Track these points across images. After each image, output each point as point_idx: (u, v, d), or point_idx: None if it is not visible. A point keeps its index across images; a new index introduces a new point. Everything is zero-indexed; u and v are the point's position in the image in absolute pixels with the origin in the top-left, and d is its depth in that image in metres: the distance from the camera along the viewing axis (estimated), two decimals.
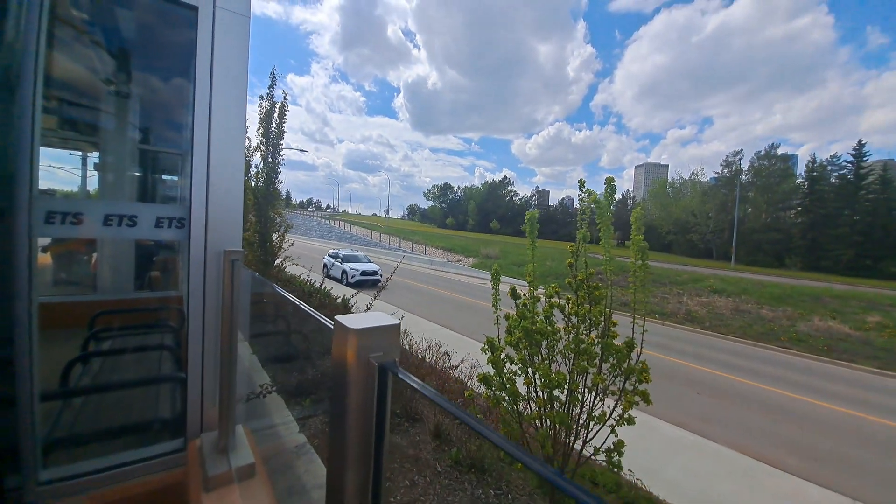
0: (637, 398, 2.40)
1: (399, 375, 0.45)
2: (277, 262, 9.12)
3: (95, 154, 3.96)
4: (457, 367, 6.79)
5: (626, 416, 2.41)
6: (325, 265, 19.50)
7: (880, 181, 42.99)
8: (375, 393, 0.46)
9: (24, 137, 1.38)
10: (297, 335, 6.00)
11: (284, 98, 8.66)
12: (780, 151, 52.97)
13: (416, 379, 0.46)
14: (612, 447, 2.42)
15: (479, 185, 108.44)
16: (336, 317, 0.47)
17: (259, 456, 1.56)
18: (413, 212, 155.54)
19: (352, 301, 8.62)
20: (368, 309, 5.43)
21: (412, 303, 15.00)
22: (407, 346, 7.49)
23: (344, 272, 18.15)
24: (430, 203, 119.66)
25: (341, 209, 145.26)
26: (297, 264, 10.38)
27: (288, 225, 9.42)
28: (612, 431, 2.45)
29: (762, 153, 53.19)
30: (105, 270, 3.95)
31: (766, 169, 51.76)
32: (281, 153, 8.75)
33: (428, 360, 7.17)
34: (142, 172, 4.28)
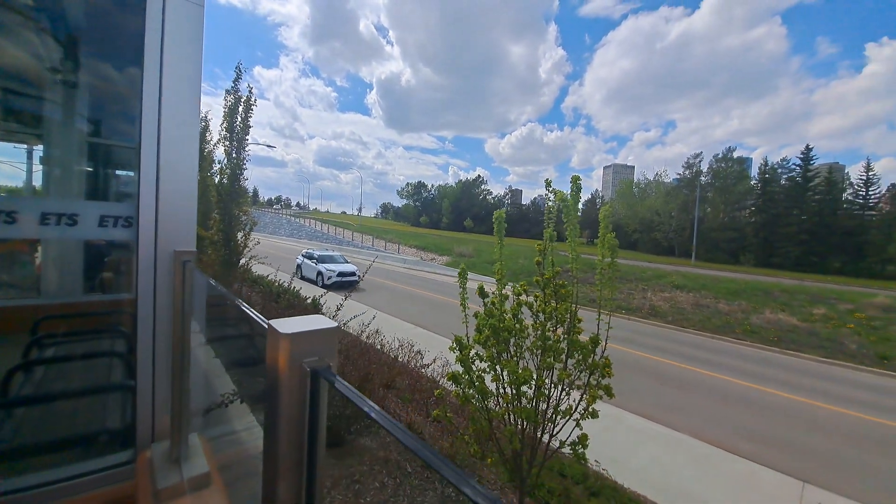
0: (601, 392, 2.47)
1: (335, 384, 0.43)
2: (243, 261, 8.80)
3: (41, 147, 3.68)
4: (429, 365, 6.80)
5: (590, 409, 2.48)
6: (297, 266, 18.72)
7: (825, 183, 46.33)
8: (308, 400, 0.44)
9: None
10: (260, 338, 5.81)
11: (251, 92, 8.36)
12: (736, 154, 56.17)
13: (349, 386, 0.44)
14: (577, 440, 2.48)
15: (453, 184, 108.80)
16: (270, 321, 0.44)
17: (216, 465, 1.50)
18: (386, 210, 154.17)
19: (322, 301, 8.44)
20: (339, 309, 5.33)
21: (385, 302, 14.86)
22: (379, 346, 7.42)
23: (319, 273, 17.43)
24: (404, 201, 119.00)
25: (312, 207, 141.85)
26: (264, 263, 10.06)
27: (254, 223, 9.10)
28: (577, 425, 2.52)
29: (720, 156, 56.28)
30: (50, 272, 3.69)
31: (723, 171, 54.75)
32: (247, 148, 8.44)
33: (400, 359, 7.14)
34: (91, 167, 4.01)
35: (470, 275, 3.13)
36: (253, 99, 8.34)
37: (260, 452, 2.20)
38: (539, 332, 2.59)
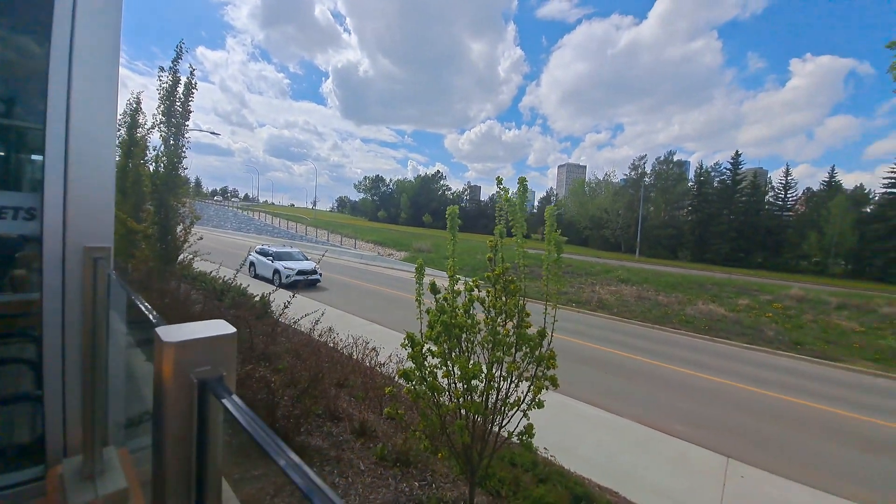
0: (546, 383, 2.57)
1: (222, 399, 0.38)
2: (182, 257, 8.20)
3: None
4: (384, 363, 6.73)
5: (536, 400, 2.57)
6: (251, 263, 17.50)
7: (751, 186, 51.22)
8: (195, 416, 0.40)
9: None
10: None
11: (192, 73, 7.74)
12: (675, 158, 60.69)
13: (238, 402, 0.40)
14: (524, 430, 2.56)
15: (412, 179, 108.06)
16: (157, 327, 0.40)
17: (139, 480, 1.38)
18: (343, 204, 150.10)
19: (272, 298, 8.06)
20: (287, 305, 5.11)
21: (341, 298, 14.50)
22: (332, 344, 7.23)
23: (276, 271, 16.42)
24: (362, 195, 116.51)
25: (262, 199, 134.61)
26: (207, 260, 9.44)
27: (196, 216, 8.50)
28: (525, 416, 2.60)
29: (662, 159, 60.46)
30: None
31: (664, 173, 58.89)
32: (187, 135, 7.83)
33: (355, 356, 7.01)
34: None
35: (428, 270, 3.12)
36: (194, 81, 7.74)
37: None
38: (490, 327, 2.63)
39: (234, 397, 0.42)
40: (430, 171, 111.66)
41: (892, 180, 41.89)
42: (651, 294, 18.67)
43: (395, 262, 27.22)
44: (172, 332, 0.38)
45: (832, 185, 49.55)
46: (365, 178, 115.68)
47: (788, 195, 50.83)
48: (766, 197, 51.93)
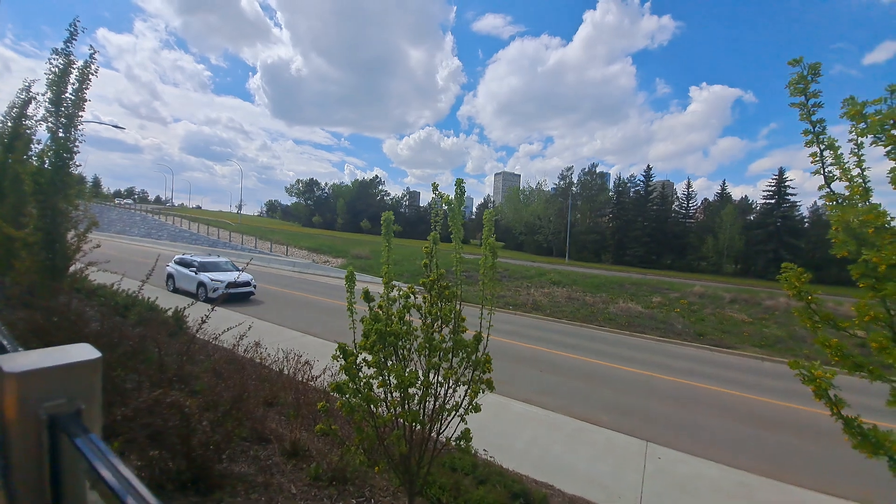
0: (482, 387, 2.60)
1: (75, 439, 0.30)
2: (75, 268, 7.12)
3: None
4: (318, 377, 6.38)
5: (473, 404, 2.59)
6: (169, 275, 15.37)
7: (660, 196, 57.63)
8: (47, 460, 0.31)
9: None
10: (120, 348, 4.76)
11: (93, 56, 6.77)
12: (598, 170, 66.28)
13: (98, 443, 0.32)
14: (461, 435, 2.57)
15: (349, 183, 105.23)
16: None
17: None
18: (273, 208, 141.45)
19: (187, 313, 7.26)
20: (204, 321, 4.61)
21: (271, 310, 13.58)
22: (259, 360, 6.72)
23: (201, 284, 14.44)
24: (294, 199, 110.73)
25: (178, 202, 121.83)
26: (107, 271, 8.29)
27: (93, 220, 7.44)
28: (462, 420, 2.60)
29: (586, 170, 65.74)
30: None
31: (589, 183, 64.05)
32: (80, 126, 6.83)
33: (286, 371, 6.56)
34: None
35: (366, 277, 3.03)
36: (95, 67, 6.79)
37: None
38: (426, 333, 2.61)
39: (93, 436, 0.34)
40: (369, 175, 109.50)
41: (770, 192, 49.90)
42: (579, 295, 20.01)
43: (332, 270, 26.19)
44: (17, 361, 0.29)
45: (724, 197, 57.62)
46: (298, 181, 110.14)
47: (690, 204, 58.02)
48: (673, 206, 58.72)
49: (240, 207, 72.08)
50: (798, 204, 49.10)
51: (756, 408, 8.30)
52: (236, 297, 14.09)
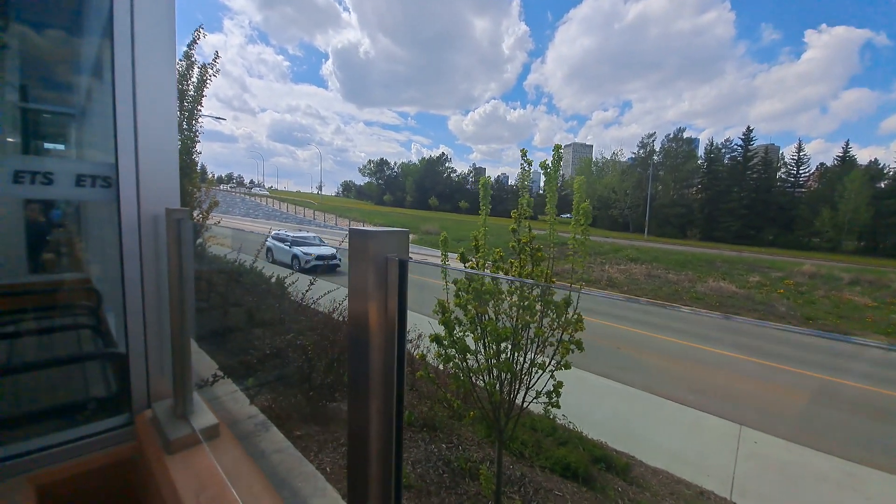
0: (573, 346, 2.69)
1: (403, 270, 0.50)
2: (199, 241, 8.39)
3: None
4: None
5: (563, 362, 2.70)
6: (268, 249, 17.33)
7: (762, 163, 50.32)
8: (397, 287, 0.51)
9: None
10: (240, 308, 5.68)
11: (216, 58, 7.76)
12: (685, 135, 59.43)
13: (406, 270, 0.51)
14: (553, 388, 2.70)
15: (417, 162, 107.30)
16: (351, 227, 0.50)
17: (222, 419, 1.53)
18: (348, 188, 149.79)
19: (288, 281, 8.25)
20: (311, 286, 5.28)
21: None
22: None
23: (295, 257, 16.43)
24: (367, 179, 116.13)
25: (268, 185, 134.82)
26: (222, 245, 9.63)
27: (214, 201, 8.65)
28: (552, 377, 2.73)
29: (671, 136, 59.27)
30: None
31: (673, 151, 57.84)
32: (198, 120, 7.90)
33: None
34: (24, 137, 3.69)
35: (437, 251, 3.24)
36: (214, 69, 7.76)
37: (248, 416, 2.23)
38: (517, 294, 2.75)
39: (406, 265, 0.54)
40: (435, 153, 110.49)
41: None
42: (661, 272, 18.69)
43: None
44: (363, 231, 0.49)
45: (846, 161, 48.45)
46: (369, 161, 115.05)
47: (801, 171, 49.91)
48: (778, 173, 51.03)
49: (320, 188, 77.65)
50: None
51: (876, 400, 7.28)
52: (324, 268, 15.64)
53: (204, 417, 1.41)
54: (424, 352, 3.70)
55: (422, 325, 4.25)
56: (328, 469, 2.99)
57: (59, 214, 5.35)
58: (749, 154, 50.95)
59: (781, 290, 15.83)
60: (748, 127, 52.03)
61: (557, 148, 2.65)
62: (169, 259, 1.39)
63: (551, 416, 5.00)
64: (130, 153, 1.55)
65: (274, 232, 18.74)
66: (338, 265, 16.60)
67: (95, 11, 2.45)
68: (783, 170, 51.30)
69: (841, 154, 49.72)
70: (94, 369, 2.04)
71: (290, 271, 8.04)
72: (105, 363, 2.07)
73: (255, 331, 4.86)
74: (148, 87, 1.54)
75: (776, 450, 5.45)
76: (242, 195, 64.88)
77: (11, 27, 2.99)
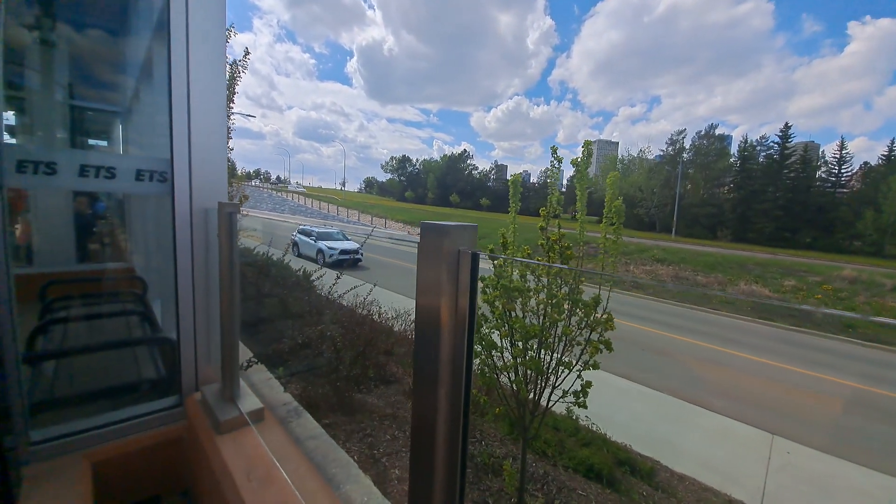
0: (601, 346, 2.66)
1: (475, 262, 0.52)
2: None
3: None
4: None
5: (591, 361, 2.68)
6: (294, 243, 18.20)
7: (801, 161, 47.74)
8: (469, 279, 0.53)
9: None
10: (271, 299, 5.87)
11: (246, 55, 8.01)
12: (717, 132, 57.06)
13: (478, 261, 0.54)
14: (580, 388, 2.69)
15: (438, 158, 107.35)
16: (423, 224, 0.53)
17: (266, 402, 1.61)
18: (370, 185, 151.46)
19: (314, 275, 8.47)
20: (338, 279, 5.42)
21: (375, 276, 14.94)
22: (376, 317, 7.56)
23: (319, 251, 16.95)
24: (388, 176, 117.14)
25: (293, 181, 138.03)
26: (251, 237, 9.95)
27: (244, 196, 8.94)
28: (579, 376, 2.72)
29: (702, 133, 57.08)
30: (43, 242, 3.68)
31: (704, 148, 55.68)
32: (231, 117, 8.17)
33: (395, 328, 7.31)
34: (69, 132, 3.92)
35: None
36: (243, 68, 8.01)
37: (283, 403, 2.32)
38: (545, 292, 2.74)
39: (478, 258, 0.56)
40: (456, 150, 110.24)
41: None
42: (689, 274, 18.13)
43: None
44: (436, 225, 0.51)
45: (892, 160, 45.42)
46: (392, 158, 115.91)
47: (843, 170, 47.18)
48: (818, 172, 48.38)
49: (343, 185, 78.87)
50: None
51: None
52: (347, 262, 15.96)
53: (250, 401, 1.48)
54: None
55: None
56: (355, 458, 3.07)
57: (102, 207, 5.65)
58: (786, 152, 48.45)
59: (819, 296, 15.09)
60: (786, 123, 49.45)
61: (588, 144, 2.62)
62: (220, 250, 1.46)
63: (574, 417, 4.96)
64: (184, 150, 1.64)
65: (300, 227, 19.28)
66: (360, 260, 16.96)
67: (143, 15, 2.58)
68: (823, 169, 48.57)
69: (886, 153, 46.65)
70: (143, 353, 2.17)
71: (317, 266, 8.24)
72: (154, 348, 2.19)
73: (285, 322, 5.02)
74: (201, 87, 1.62)
75: (811, 461, 5.24)
76: (269, 191, 66.69)
77: (59, 28, 3.18)
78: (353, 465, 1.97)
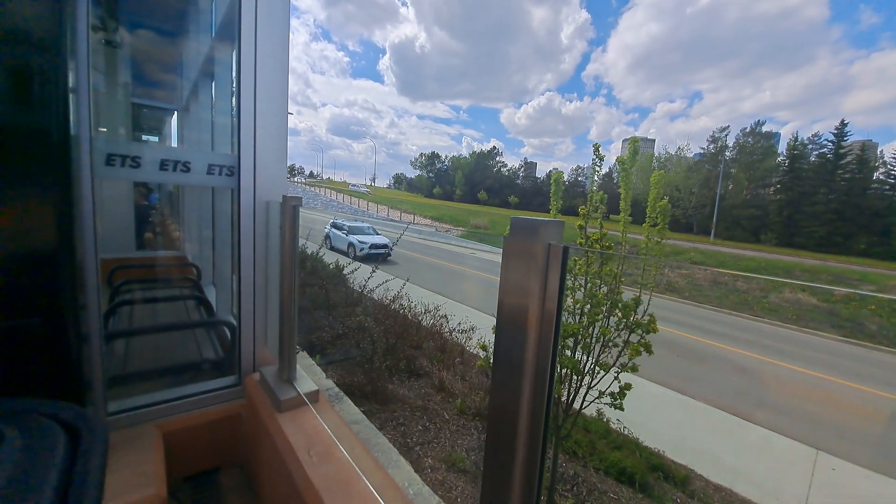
0: (641, 349, 2.62)
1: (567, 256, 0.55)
2: None
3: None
4: (453, 331, 7.07)
5: (630, 364, 2.64)
6: (327, 236, 18.78)
7: (857, 161, 44.35)
8: (559, 271, 0.56)
9: (80, 78, 1.39)
10: (310, 289, 6.09)
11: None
12: (765, 129, 53.82)
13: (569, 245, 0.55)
14: (619, 388, 2.66)
15: (467, 155, 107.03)
16: (513, 218, 0.56)
17: (319, 385, 1.71)
18: (399, 181, 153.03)
19: (346, 269, 8.71)
20: (373, 273, 5.58)
21: (404, 271, 15.17)
22: (404, 312, 7.69)
23: (350, 245, 17.37)
24: (417, 172, 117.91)
25: (325, 176, 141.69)
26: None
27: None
28: (616, 378, 2.69)
29: (747, 130, 53.97)
30: (108, 229, 3.99)
31: (749, 146, 52.67)
32: None
33: (424, 323, 7.42)
34: (130, 129, 4.21)
35: (485, 246, 3.27)
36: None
37: (326, 389, 2.43)
38: (585, 290, 2.72)
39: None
40: (485, 147, 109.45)
41: None
42: (728, 279, 17.31)
43: (452, 238, 27.64)
44: (526, 221, 0.55)
45: None
46: (421, 154, 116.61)
47: None
48: (876, 174, 44.79)
49: (373, 180, 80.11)
50: None
51: None
52: (377, 256, 16.24)
53: (305, 383, 1.58)
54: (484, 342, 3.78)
55: (473, 316, 4.29)
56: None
57: (155, 199, 6.02)
58: (841, 151, 45.08)
59: (873, 307, 14.05)
60: (842, 120, 45.96)
61: (634, 140, 2.57)
62: (283, 240, 1.56)
63: (605, 419, 4.89)
64: (249, 147, 1.75)
65: (332, 220, 19.78)
66: (389, 254, 17.22)
67: (203, 18, 2.74)
68: (881, 170, 44.92)
69: None
70: (202, 335, 2.33)
71: (349, 259, 8.48)
72: (211, 331, 2.35)
73: (320, 312, 5.22)
74: (266, 88, 1.73)
75: (858, 478, 4.94)
76: (303, 186, 68.97)
77: (122, 31, 3.41)
78: (394, 450, 2.05)
